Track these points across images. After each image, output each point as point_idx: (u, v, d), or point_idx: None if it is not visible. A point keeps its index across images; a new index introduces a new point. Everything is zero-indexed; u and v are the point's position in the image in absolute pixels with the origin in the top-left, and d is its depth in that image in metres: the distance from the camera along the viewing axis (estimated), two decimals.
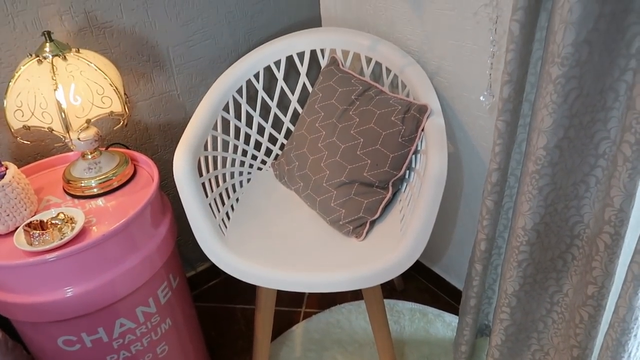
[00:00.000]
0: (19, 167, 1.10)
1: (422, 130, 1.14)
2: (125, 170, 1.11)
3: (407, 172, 1.22)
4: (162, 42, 1.30)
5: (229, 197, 1.27)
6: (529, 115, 0.96)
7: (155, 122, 1.39)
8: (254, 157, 1.48)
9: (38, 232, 0.90)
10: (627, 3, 0.73)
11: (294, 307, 1.59)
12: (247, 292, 1.67)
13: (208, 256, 1.05)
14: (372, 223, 1.17)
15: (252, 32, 1.46)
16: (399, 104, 1.16)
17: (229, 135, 1.34)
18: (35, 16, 1.10)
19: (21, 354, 1.10)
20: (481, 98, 1.17)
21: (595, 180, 0.89)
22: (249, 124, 1.46)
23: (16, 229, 0.96)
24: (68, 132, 0.97)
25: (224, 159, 1.34)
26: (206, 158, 1.24)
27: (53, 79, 0.94)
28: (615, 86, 0.79)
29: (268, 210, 1.26)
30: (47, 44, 0.97)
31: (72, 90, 0.96)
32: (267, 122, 1.44)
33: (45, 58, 0.96)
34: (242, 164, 1.40)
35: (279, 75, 1.38)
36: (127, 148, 1.24)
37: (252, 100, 1.48)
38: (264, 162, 1.51)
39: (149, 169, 1.15)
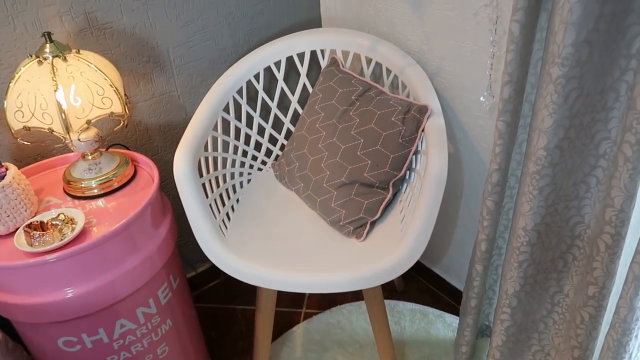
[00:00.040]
0: (19, 168, 1.10)
1: (423, 130, 1.14)
2: (125, 171, 1.11)
3: (408, 172, 1.22)
4: (162, 43, 1.30)
5: (229, 197, 1.27)
6: (530, 116, 0.96)
7: (156, 123, 1.39)
8: (254, 158, 1.48)
9: (38, 233, 0.90)
10: (627, 3, 0.72)
11: (294, 307, 1.59)
12: (247, 292, 1.67)
13: (208, 257, 1.05)
14: (373, 224, 1.17)
15: (252, 33, 1.46)
16: (399, 104, 1.16)
17: (229, 136, 1.34)
18: (36, 17, 1.11)
19: (21, 354, 1.09)
20: (481, 98, 1.17)
21: (595, 181, 0.89)
22: (249, 124, 1.46)
23: (16, 229, 0.96)
24: (68, 133, 0.97)
25: (224, 160, 1.34)
26: (206, 159, 1.24)
27: (53, 79, 0.94)
28: (616, 86, 0.79)
29: (268, 211, 1.26)
30: (48, 45, 0.97)
31: (73, 91, 0.96)
32: (267, 123, 1.44)
33: (45, 59, 0.96)
34: (243, 164, 1.40)
35: (279, 75, 1.38)
36: (128, 149, 1.24)
37: (252, 101, 1.48)
38: (264, 162, 1.51)
39: (149, 169, 1.15)
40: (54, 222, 0.94)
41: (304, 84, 1.45)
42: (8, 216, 0.94)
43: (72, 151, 1.18)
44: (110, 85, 1.00)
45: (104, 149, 1.14)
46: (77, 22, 1.16)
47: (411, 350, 1.41)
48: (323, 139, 1.23)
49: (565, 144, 0.86)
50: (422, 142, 1.15)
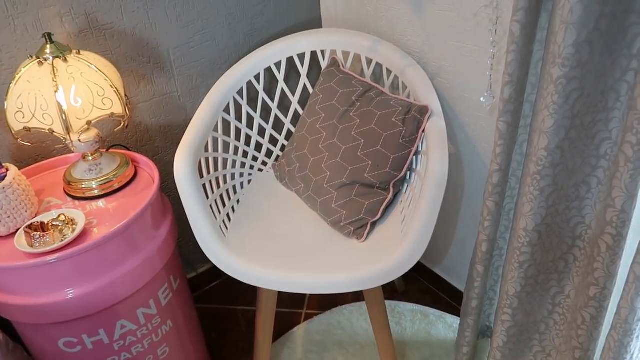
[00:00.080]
0: (19, 169, 1.10)
1: (423, 131, 1.14)
2: (126, 171, 1.11)
3: (408, 173, 1.22)
4: (162, 43, 1.30)
5: (229, 198, 1.27)
6: (530, 116, 0.96)
7: (156, 124, 1.39)
8: (255, 159, 1.48)
9: (39, 233, 0.90)
10: (628, 3, 0.72)
11: (295, 308, 1.59)
12: (248, 293, 1.67)
13: (209, 257, 1.04)
14: (373, 224, 1.17)
15: (253, 33, 1.46)
16: (399, 105, 1.16)
17: (229, 137, 1.34)
18: (36, 18, 1.11)
19: (22, 355, 1.09)
20: (482, 99, 1.17)
21: (596, 181, 0.88)
22: (250, 125, 1.46)
23: (17, 230, 0.96)
24: (69, 134, 0.97)
25: (225, 161, 1.34)
26: (207, 159, 1.24)
27: (54, 80, 0.94)
28: (617, 87, 0.79)
29: (269, 212, 1.26)
30: (48, 46, 0.97)
31: (73, 92, 0.96)
32: (267, 124, 1.44)
33: (45, 60, 0.96)
34: (243, 165, 1.40)
35: (280, 76, 1.38)
36: (128, 149, 1.24)
37: (252, 101, 1.48)
38: (264, 163, 1.51)
39: (149, 170, 1.15)
40: (54, 223, 0.94)
41: (305, 85, 1.45)
42: (8, 217, 0.94)
43: (73, 152, 1.17)
44: (111, 86, 1.00)
45: (104, 150, 1.14)
46: (78, 22, 1.16)
47: (412, 351, 1.41)
48: (324, 139, 1.23)
49: (566, 144, 0.85)
50: (422, 142, 1.15)
